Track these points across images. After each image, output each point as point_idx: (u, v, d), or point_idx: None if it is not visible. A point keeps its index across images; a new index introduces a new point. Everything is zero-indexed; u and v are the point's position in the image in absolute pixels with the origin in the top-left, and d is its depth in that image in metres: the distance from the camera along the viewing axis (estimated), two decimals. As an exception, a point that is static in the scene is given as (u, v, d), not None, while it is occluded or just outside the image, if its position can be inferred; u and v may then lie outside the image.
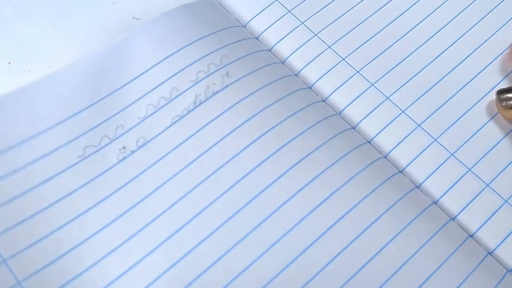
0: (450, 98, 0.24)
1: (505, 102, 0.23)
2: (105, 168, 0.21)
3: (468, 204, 0.22)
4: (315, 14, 0.26)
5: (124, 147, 0.21)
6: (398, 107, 0.24)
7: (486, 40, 0.26)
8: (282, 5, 0.26)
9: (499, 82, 0.25)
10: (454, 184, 0.23)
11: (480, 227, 0.22)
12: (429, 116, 0.24)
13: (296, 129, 0.22)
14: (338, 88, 0.24)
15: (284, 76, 0.24)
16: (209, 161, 0.21)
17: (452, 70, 0.25)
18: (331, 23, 0.26)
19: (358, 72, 0.25)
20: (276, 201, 0.21)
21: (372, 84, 0.25)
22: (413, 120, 0.24)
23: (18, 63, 0.25)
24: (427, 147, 0.23)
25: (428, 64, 0.25)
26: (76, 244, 0.19)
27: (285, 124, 0.22)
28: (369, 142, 0.23)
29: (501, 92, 0.24)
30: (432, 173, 0.23)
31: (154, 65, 0.23)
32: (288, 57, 0.25)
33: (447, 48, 0.26)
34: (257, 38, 0.26)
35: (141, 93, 0.22)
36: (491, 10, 0.27)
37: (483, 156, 0.23)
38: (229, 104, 0.22)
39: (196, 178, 0.21)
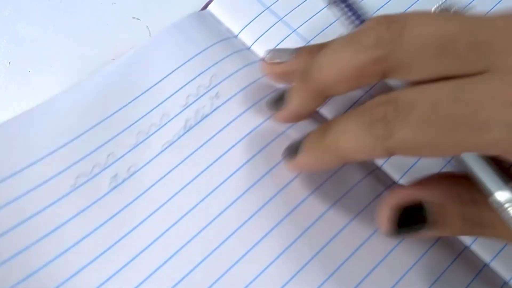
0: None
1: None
2: (97, 197, 0.21)
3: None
4: (306, 21, 0.26)
5: (115, 175, 0.21)
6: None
7: None
8: (274, 12, 0.26)
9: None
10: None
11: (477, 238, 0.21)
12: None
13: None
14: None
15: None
16: (200, 187, 0.21)
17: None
18: (322, 30, 0.26)
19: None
20: (268, 223, 0.20)
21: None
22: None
23: (18, 63, 0.25)
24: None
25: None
26: (70, 276, 0.19)
27: (275, 143, 0.22)
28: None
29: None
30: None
31: (144, 91, 0.23)
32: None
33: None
34: (248, 48, 0.25)
35: (132, 121, 0.22)
36: None
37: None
38: (219, 127, 0.22)
39: (188, 204, 0.21)
